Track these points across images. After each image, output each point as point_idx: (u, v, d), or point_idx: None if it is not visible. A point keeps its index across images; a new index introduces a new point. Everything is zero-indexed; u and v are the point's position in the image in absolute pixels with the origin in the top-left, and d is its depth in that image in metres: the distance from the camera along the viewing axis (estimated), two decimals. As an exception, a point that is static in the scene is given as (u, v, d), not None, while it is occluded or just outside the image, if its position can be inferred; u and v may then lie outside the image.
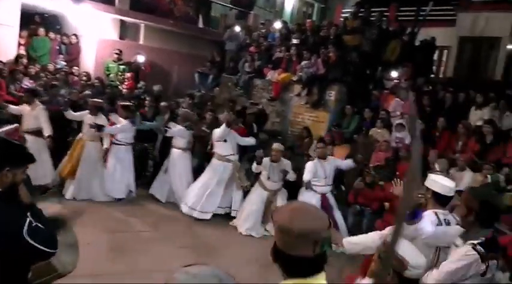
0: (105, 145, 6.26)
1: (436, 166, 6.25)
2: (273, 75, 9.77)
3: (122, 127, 6.33)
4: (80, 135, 6.36)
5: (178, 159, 6.60)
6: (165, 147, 7.16)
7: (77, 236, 3.72)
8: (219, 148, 6.27)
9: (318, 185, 5.77)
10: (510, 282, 2.97)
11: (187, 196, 6.28)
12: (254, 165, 6.11)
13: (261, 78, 10.19)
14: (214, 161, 6.35)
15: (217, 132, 6.18)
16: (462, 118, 7.05)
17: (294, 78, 9.38)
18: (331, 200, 5.81)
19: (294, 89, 9.38)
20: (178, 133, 6.56)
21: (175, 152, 6.64)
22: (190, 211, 6.18)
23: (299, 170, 6.03)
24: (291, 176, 6.16)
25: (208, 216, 6.19)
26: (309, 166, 5.66)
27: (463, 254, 2.39)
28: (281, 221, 1.36)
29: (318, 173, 5.63)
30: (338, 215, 5.66)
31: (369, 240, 2.83)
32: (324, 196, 5.71)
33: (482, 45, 10.96)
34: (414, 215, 2.66)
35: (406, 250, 2.10)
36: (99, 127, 6.05)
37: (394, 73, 9.00)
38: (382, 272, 2.03)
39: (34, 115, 6.08)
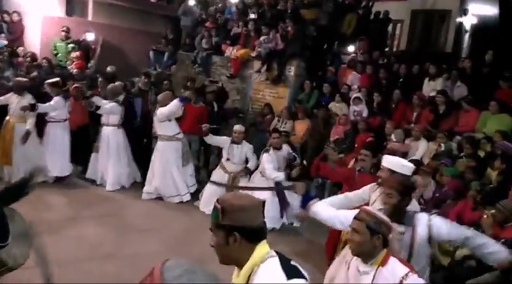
0: (28, 126, 5.88)
1: (393, 137, 6.47)
2: (231, 52, 9.59)
3: (54, 104, 6.09)
4: (7, 117, 6.01)
5: (112, 137, 6.34)
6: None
7: (28, 225, 3.56)
8: (165, 128, 6.03)
9: None
10: None
11: (149, 185, 6.08)
12: (205, 138, 6.07)
13: (220, 54, 9.99)
14: (161, 144, 6.10)
15: (166, 110, 5.84)
16: (416, 89, 7.27)
17: (253, 54, 9.26)
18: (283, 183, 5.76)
19: (254, 65, 9.28)
20: (111, 110, 6.30)
21: (107, 129, 6.36)
22: (150, 196, 6.08)
23: (263, 146, 5.99)
24: (251, 164, 6.06)
25: (185, 198, 6.10)
26: (268, 158, 5.47)
27: None
28: (235, 202, 1.59)
29: (274, 163, 5.55)
30: (291, 199, 5.59)
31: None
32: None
33: (433, 18, 11.27)
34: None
35: None
36: (32, 107, 5.80)
37: (350, 47, 9.12)
38: None
39: None
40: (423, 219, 2.56)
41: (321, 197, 6.10)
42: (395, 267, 2.17)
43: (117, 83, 7.23)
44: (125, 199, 6.03)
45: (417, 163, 5.68)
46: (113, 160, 6.28)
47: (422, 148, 6.17)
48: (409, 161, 5.66)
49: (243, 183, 5.93)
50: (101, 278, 3.86)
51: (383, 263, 2.20)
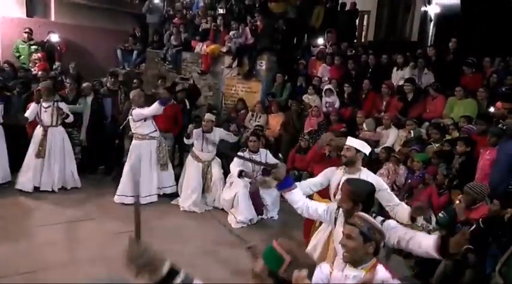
0: None
1: (364, 126, 6.58)
2: (201, 48, 9.49)
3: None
4: None
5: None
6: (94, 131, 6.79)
7: None
8: (140, 128, 5.90)
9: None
10: None
11: (123, 187, 5.87)
12: (185, 139, 6.02)
13: (189, 51, 9.87)
14: (136, 142, 5.95)
15: (146, 112, 5.73)
16: (385, 79, 7.42)
17: (223, 50, 9.20)
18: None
19: (225, 61, 9.22)
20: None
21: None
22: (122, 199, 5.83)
23: (237, 142, 5.97)
24: (231, 138, 6.20)
25: (152, 199, 5.94)
26: (237, 161, 5.54)
27: None
28: (304, 260, 1.59)
29: (247, 166, 5.55)
30: (265, 196, 5.67)
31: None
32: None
33: (399, 8, 11.50)
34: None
35: None
36: None
37: (320, 40, 9.20)
38: None
39: None
40: (377, 222, 2.59)
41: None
42: (381, 274, 2.17)
43: (85, 84, 7.05)
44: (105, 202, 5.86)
45: (388, 150, 5.83)
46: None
47: (392, 136, 6.31)
48: (381, 149, 5.86)
49: (215, 169, 6.00)
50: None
51: (371, 270, 2.19)
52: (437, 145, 5.58)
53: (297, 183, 3.23)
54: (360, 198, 2.61)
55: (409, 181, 5.38)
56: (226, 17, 9.61)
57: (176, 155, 7.41)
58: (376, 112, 7.08)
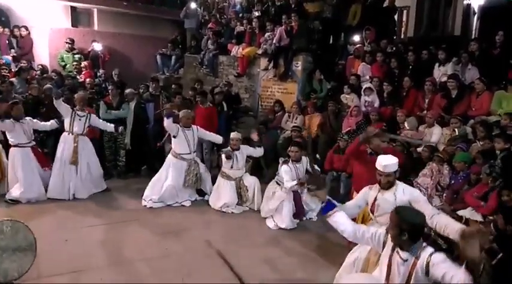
0: None
1: (406, 125, 6.40)
2: (237, 51, 9.60)
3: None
4: None
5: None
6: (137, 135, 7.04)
7: (34, 239, 3.63)
8: (175, 145, 6.11)
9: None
10: None
11: (152, 193, 6.04)
12: (224, 159, 6.09)
13: (226, 54, 10.00)
14: (170, 157, 6.16)
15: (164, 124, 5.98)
16: (426, 76, 7.16)
17: (259, 52, 9.25)
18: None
19: (260, 63, 9.27)
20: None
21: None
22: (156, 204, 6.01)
23: (275, 144, 5.95)
24: (259, 152, 6.24)
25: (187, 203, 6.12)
26: (287, 171, 5.48)
27: None
28: None
29: (291, 175, 5.51)
30: (308, 201, 5.66)
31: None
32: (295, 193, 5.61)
33: (439, 2, 11.07)
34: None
35: None
36: None
37: (356, 37, 9.02)
38: None
39: None
40: (425, 254, 2.56)
41: (337, 189, 6.15)
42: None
43: (127, 90, 7.31)
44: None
45: (432, 149, 5.62)
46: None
47: (436, 135, 6.09)
48: (424, 147, 5.66)
49: (247, 180, 6.10)
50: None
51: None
52: (481, 143, 5.34)
53: (347, 204, 3.34)
54: (407, 227, 2.58)
55: (453, 181, 5.17)
56: (261, 19, 9.66)
57: (214, 157, 7.53)
58: (418, 110, 6.86)
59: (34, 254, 3.66)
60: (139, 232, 5.10)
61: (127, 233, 5.04)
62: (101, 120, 6.47)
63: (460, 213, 4.61)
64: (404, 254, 2.64)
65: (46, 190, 5.96)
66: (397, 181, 3.37)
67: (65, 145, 6.04)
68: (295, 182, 5.27)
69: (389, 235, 2.78)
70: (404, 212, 2.68)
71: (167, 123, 5.91)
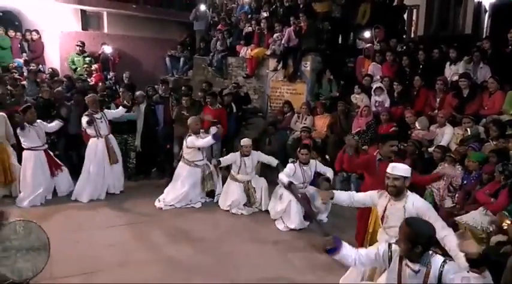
0: None
1: (417, 125, 6.33)
2: (246, 52, 9.59)
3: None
4: None
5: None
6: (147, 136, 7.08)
7: (47, 239, 3.66)
8: (190, 154, 6.13)
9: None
10: None
11: (167, 197, 6.12)
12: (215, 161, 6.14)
13: (235, 55, 10.01)
14: (182, 165, 6.21)
15: (199, 144, 6.00)
16: (437, 75, 7.08)
17: (268, 53, 9.24)
18: (310, 191, 5.61)
19: (269, 64, 9.25)
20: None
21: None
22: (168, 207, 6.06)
23: (285, 144, 5.92)
24: (272, 162, 6.18)
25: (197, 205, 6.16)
26: (290, 168, 5.48)
27: None
28: None
29: (297, 177, 5.52)
30: (318, 204, 5.54)
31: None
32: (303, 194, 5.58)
33: (450, 0, 10.96)
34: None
35: None
36: None
37: (366, 33, 8.95)
38: None
39: None
40: (437, 263, 2.52)
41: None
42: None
43: (138, 92, 7.35)
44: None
45: (444, 149, 5.55)
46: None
47: (448, 134, 6.01)
48: (436, 147, 5.58)
49: (256, 182, 6.11)
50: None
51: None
52: (494, 143, 5.25)
53: (338, 192, 3.36)
54: (419, 240, 2.52)
55: (465, 182, 5.10)
56: (269, 19, 9.65)
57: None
58: (429, 109, 6.79)
59: (48, 254, 3.70)
60: (150, 233, 5.13)
61: (138, 235, 5.06)
62: (113, 111, 6.63)
63: (463, 219, 4.43)
64: (415, 266, 2.57)
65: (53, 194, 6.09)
66: (409, 192, 3.25)
67: (96, 149, 6.13)
68: (287, 179, 5.18)
69: (392, 247, 2.72)
70: (416, 224, 2.58)
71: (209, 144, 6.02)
